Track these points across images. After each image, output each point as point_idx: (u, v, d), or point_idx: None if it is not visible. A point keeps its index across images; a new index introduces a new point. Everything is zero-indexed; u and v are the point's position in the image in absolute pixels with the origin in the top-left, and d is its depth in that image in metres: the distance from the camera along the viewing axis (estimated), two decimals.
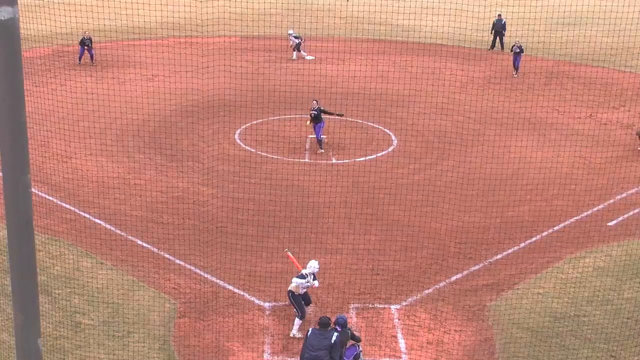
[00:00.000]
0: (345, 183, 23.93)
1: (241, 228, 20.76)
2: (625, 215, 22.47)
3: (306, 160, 26.26)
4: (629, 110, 32.72)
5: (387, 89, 33.08)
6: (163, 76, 33.57)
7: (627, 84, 35.43)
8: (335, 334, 13.98)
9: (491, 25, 43.46)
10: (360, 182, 24.00)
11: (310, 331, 14.15)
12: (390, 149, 27.59)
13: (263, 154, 26.57)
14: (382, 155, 26.86)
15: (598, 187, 24.08)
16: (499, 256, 19.87)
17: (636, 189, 24.48)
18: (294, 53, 39.91)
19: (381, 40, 44.11)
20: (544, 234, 21.20)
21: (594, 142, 28.31)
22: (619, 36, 41.81)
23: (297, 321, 16.07)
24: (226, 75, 31.85)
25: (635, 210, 22.85)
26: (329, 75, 35.01)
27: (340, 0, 48.13)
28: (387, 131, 29.26)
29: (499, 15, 43.27)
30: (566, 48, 39.12)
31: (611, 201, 23.46)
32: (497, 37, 43.91)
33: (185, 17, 38.09)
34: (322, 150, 26.84)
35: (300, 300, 16.20)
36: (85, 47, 37.98)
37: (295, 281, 16.16)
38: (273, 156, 26.30)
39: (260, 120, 29.73)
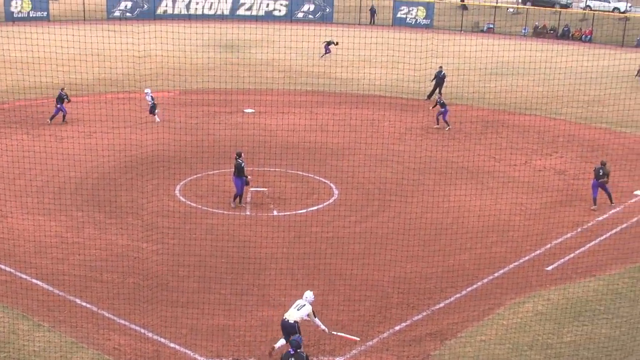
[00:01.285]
0: (287, 235, 23.88)
1: (183, 283, 20.52)
2: (562, 260, 22.89)
3: (247, 213, 26.17)
4: (562, 157, 33.50)
5: (327, 141, 33.29)
6: (102, 132, 33.27)
7: (559, 130, 36.31)
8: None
9: (433, 76, 44.17)
10: (302, 234, 23.98)
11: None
12: (332, 200, 27.68)
13: (204, 208, 26.40)
14: (323, 207, 26.92)
15: (535, 233, 24.50)
16: (441, 304, 19.98)
17: (571, 233, 24.98)
18: (156, 117, 37.29)
19: (320, 92, 44.53)
20: (485, 280, 21.42)
21: (530, 188, 28.87)
22: (549, 85, 43.11)
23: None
24: (166, 129, 31.80)
25: (572, 255, 23.28)
26: (269, 128, 35.17)
27: (281, 54, 48.54)
28: (328, 182, 29.39)
29: (440, 67, 44.10)
30: (501, 97, 40.06)
31: (548, 246, 23.88)
32: (437, 88, 44.51)
33: (123, 73, 37.94)
34: (234, 206, 26.43)
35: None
36: (59, 104, 36.25)
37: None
38: (214, 210, 26.14)
39: (201, 174, 29.59)
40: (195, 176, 29.43)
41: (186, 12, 73.14)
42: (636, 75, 49.72)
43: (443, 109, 37.93)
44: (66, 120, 36.36)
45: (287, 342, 16.29)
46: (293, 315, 16.85)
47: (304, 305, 17.10)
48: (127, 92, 39.51)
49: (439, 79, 43.83)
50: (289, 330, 16.59)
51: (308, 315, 17.04)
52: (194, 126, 34.31)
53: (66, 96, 36.36)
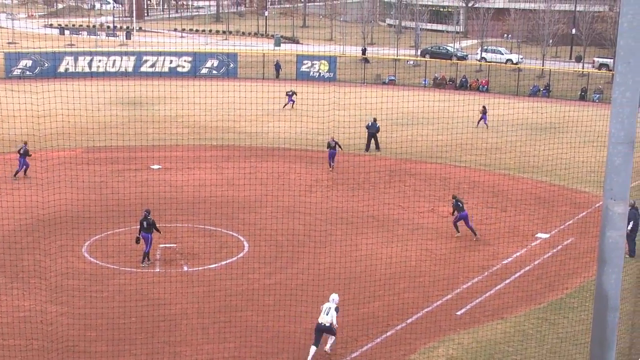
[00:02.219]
0: (199, 291, 23.53)
1: (92, 345, 19.91)
2: (472, 303, 23.27)
3: (157, 270, 25.72)
4: (466, 203, 34.22)
5: (235, 195, 33.21)
6: (3, 193, 32.27)
7: (462, 177, 37.23)
8: None
9: (365, 128, 44.86)
10: (214, 289, 23.66)
11: None
12: (242, 254, 27.51)
13: (113, 266, 25.81)
14: (234, 261, 26.71)
15: (444, 278, 24.88)
16: (355, 354, 19.97)
17: (479, 277, 25.47)
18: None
19: (227, 147, 44.48)
20: (397, 327, 21.55)
21: (437, 234, 29.38)
22: (450, 134, 44.25)
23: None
24: (69, 189, 31.06)
25: (480, 298, 23.71)
26: (177, 184, 34.84)
27: (185, 110, 48.39)
28: (238, 236, 29.22)
29: (374, 119, 44.93)
30: (404, 147, 40.84)
31: (457, 290, 24.26)
32: (372, 139, 45.16)
33: (23, 133, 37.09)
34: (144, 265, 26.05)
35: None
36: (26, 157, 35.92)
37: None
38: (123, 268, 25.59)
39: (108, 232, 28.99)
40: (102, 235, 28.80)
41: (88, 70, 72.31)
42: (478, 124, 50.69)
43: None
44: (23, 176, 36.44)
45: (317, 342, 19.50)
46: (326, 319, 19.63)
47: (331, 307, 19.79)
48: None
49: (373, 130, 44.58)
50: (326, 330, 19.67)
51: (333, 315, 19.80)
52: (100, 184, 33.72)
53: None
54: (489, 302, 23.41)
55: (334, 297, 20.11)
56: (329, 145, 40.12)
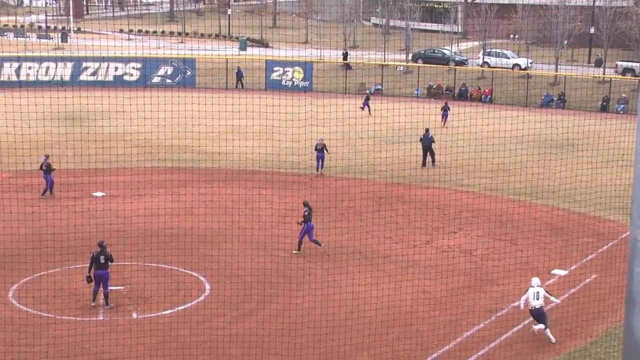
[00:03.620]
0: (150, 342, 23.31)
1: None
2: (477, 354, 23.23)
3: (100, 318, 25.50)
4: (468, 234, 34.36)
5: (194, 226, 33.07)
6: None
7: (463, 204, 37.33)
8: None
9: (419, 141, 46.65)
10: (168, 340, 23.49)
11: None
12: (203, 296, 27.37)
13: (47, 314, 25.56)
14: (193, 305, 26.57)
15: (444, 324, 24.86)
16: None
17: (485, 322, 25.47)
18: None
19: (184, 169, 44.37)
20: None
21: (435, 272, 29.34)
22: (450, 153, 44.41)
23: None
24: None
25: (487, 348, 23.68)
26: (124, 214, 34.63)
27: (134, 126, 48.31)
28: (198, 275, 29.08)
29: (427, 129, 46.62)
30: (394, 168, 40.94)
31: (459, 339, 24.25)
32: (427, 153, 46.74)
33: None
34: (93, 304, 26.28)
35: None
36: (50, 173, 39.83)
37: None
38: (60, 316, 25.35)
39: (41, 273, 28.72)
40: (33, 276, 28.53)
41: (16, 79, 72.05)
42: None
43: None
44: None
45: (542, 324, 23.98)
46: (538, 302, 23.81)
47: (538, 291, 24.09)
48: None
49: (427, 143, 46.63)
50: (540, 312, 24.02)
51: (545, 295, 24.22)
52: (31, 216, 33.41)
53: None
54: (497, 353, 23.38)
55: (536, 280, 24.63)
56: (316, 148, 42.95)
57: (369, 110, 60.28)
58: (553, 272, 29.75)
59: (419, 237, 33.84)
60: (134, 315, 25.84)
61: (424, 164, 46.71)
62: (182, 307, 26.41)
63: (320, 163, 44.05)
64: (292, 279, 28.25)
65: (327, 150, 42.68)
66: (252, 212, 35.72)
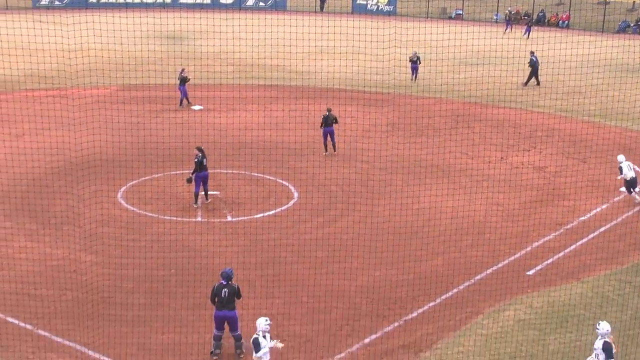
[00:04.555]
0: (244, 242, 23.95)
1: (129, 297, 20.48)
2: (544, 263, 23.23)
3: (199, 219, 26.21)
4: (541, 152, 34.06)
5: (284, 139, 33.45)
6: (31, 134, 32.97)
7: (537, 124, 36.91)
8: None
9: (529, 65, 47.30)
10: (260, 241, 24.07)
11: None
12: (291, 203, 27.82)
13: (150, 214, 26.38)
14: (282, 210, 27.06)
15: (514, 235, 24.88)
16: (414, 314, 20.18)
17: (553, 234, 25.40)
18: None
19: (275, 87, 44.69)
20: (461, 287, 21.67)
21: (508, 186, 29.28)
22: (525, 76, 43.75)
23: None
24: (104, 130, 31.60)
25: (554, 257, 23.65)
26: (220, 127, 35.15)
27: (229, 46, 48.57)
28: (287, 184, 29.54)
29: (532, 52, 47.27)
30: (472, 89, 40.57)
31: (529, 248, 24.24)
32: (533, 75, 47.67)
33: (54, 68, 37.61)
34: (196, 205, 27.14)
35: None
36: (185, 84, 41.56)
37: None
38: (162, 216, 26.14)
39: (146, 177, 29.55)
40: (139, 180, 29.38)
41: (123, 0, 72.82)
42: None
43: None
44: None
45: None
46: (631, 173, 27.90)
47: (628, 162, 28.13)
48: (58, 89, 39.27)
49: (534, 65, 47.21)
50: (634, 180, 27.90)
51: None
52: (136, 125, 34.14)
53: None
54: (564, 262, 23.36)
55: (621, 156, 28.05)
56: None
57: None
58: (621, 189, 29.35)
59: (494, 153, 33.67)
60: (229, 217, 26.46)
61: (526, 84, 47.62)
62: (272, 212, 26.90)
63: (414, 74, 47.70)
64: (374, 189, 28.51)
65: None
66: (337, 127, 35.91)
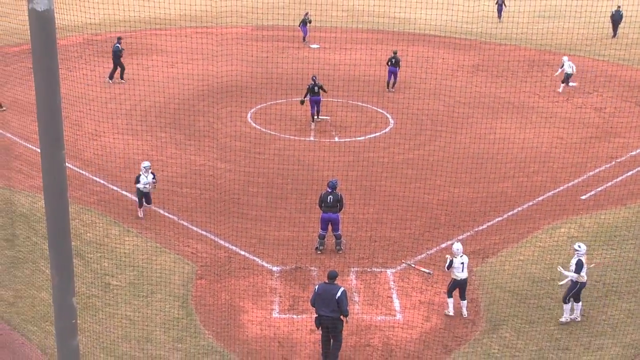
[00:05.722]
0: (347, 159, 23.90)
1: (252, 199, 20.80)
2: (596, 190, 22.46)
3: (311, 139, 26.23)
4: (601, 95, 32.58)
5: (385, 75, 32.93)
6: (182, 63, 33.39)
7: (600, 71, 35.23)
8: (341, 289, 13.47)
9: (610, 16, 44.81)
10: (360, 159, 23.98)
11: (318, 286, 13.73)
12: (387, 129, 27.53)
13: (272, 132, 26.54)
14: (379, 135, 26.82)
15: (573, 164, 24.04)
16: (484, 226, 19.88)
17: (606, 165, 24.45)
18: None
19: (379, 31, 43.83)
20: (525, 206, 21.18)
21: (570, 123, 28.21)
22: (593, 28, 41.60)
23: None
24: (239, 62, 31.77)
25: (605, 185, 22.82)
26: (332, 63, 34.85)
27: None
28: (385, 113, 29.19)
29: (619, 6, 44.75)
30: (546, 39, 38.91)
31: (584, 177, 23.44)
32: (616, 26, 45.36)
33: (202, 10, 37.81)
34: (312, 124, 27.29)
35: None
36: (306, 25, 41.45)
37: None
38: (281, 135, 26.27)
39: (270, 102, 29.66)
40: (265, 104, 29.53)
41: None
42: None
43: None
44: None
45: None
46: None
47: None
48: (204, 27, 39.54)
49: (617, 18, 44.73)
50: None
51: None
52: (265, 59, 34.17)
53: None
54: (613, 190, 22.51)
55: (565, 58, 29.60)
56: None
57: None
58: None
59: (560, 95, 32.38)
60: (336, 138, 26.39)
61: (614, 35, 45.04)
62: (372, 136, 26.70)
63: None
64: (457, 120, 27.91)
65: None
66: (429, 67, 35.10)
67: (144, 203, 19.34)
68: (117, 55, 32.47)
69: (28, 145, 24.28)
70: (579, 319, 15.33)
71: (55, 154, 4.82)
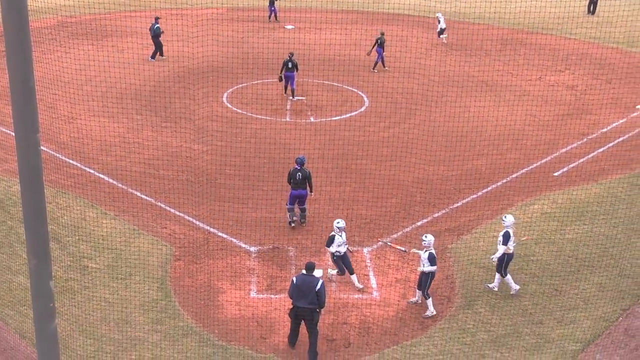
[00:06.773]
0: (322, 139, 23.90)
1: (229, 180, 20.75)
2: (569, 166, 22.68)
3: (287, 119, 26.17)
4: (573, 73, 32.84)
5: (359, 55, 32.89)
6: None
7: (572, 49, 35.47)
8: (320, 281, 13.22)
9: None
10: (336, 139, 23.99)
11: (296, 277, 13.42)
12: (363, 108, 27.54)
13: (248, 114, 26.44)
14: (355, 115, 26.82)
15: (545, 142, 24.27)
16: (459, 203, 20.01)
17: (578, 142, 24.68)
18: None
19: (354, 11, 43.70)
20: (498, 183, 21.35)
21: (543, 101, 28.43)
22: (565, 7, 41.84)
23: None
24: (214, 43, 31.51)
25: (577, 162, 23.06)
26: (307, 43, 34.71)
27: None
28: (360, 93, 29.18)
29: None
30: (519, 18, 39.07)
31: (556, 154, 23.65)
32: (595, 3, 45.59)
33: None
34: (292, 99, 27.32)
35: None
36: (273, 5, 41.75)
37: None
38: (257, 116, 26.18)
39: (246, 84, 29.51)
40: (240, 85, 29.37)
41: None
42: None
43: None
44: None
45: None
46: None
47: None
48: (179, 9, 39.14)
49: None
50: None
51: None
52: (240, 40, 33.98)
53: None
54: (585, 166, 22.75)
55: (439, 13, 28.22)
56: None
57: None
58: (638, 107, 28.23)
59: (533, 73, 32.58)
60: (311, 119, 26.36)
61: (592, 12, 45.37)
62: (347, 115, 26.70)
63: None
64: (431, 99, 27.97)
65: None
66: (404, 46, 35.08)
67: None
68: (157, 35, 32.63)
69: (2, 128, 23.98)
70: (496, 289, 15.50)
71: (30, 137, 4.77)
